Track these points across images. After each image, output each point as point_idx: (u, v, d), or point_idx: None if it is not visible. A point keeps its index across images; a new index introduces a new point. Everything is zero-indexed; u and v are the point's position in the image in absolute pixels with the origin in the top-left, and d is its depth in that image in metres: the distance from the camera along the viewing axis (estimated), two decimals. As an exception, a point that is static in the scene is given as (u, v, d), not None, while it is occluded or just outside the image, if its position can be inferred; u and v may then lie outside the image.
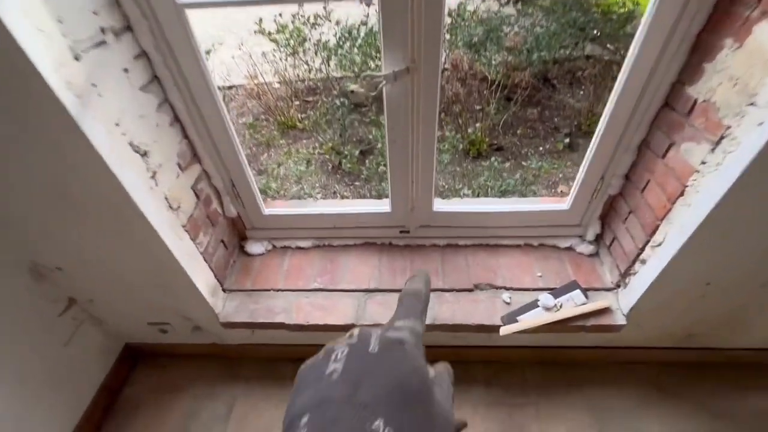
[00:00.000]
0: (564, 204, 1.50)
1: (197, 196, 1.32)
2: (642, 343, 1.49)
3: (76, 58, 0.86)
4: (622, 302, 1.36)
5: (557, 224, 1.53)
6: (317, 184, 2.82)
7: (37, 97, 0.81)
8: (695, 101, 1.02)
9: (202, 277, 1.34)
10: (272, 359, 1.66)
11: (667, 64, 1.04)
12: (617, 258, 1.40)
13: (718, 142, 0.95)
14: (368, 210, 1.54)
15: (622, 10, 3.25)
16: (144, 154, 1.06)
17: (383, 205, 1.53)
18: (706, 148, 0.98)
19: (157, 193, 1.11)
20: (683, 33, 0.98)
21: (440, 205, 1.52)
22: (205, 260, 1.37)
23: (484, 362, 1.61)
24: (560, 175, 2.77)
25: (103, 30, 0.92)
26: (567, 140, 2.99)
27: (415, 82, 1.12)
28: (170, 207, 1.17)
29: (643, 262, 1.25)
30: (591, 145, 1.29)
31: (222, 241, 1.50)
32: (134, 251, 1.18)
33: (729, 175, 0.91)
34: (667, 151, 1.13)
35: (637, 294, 1.27)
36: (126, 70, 1.00)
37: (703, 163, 1.00)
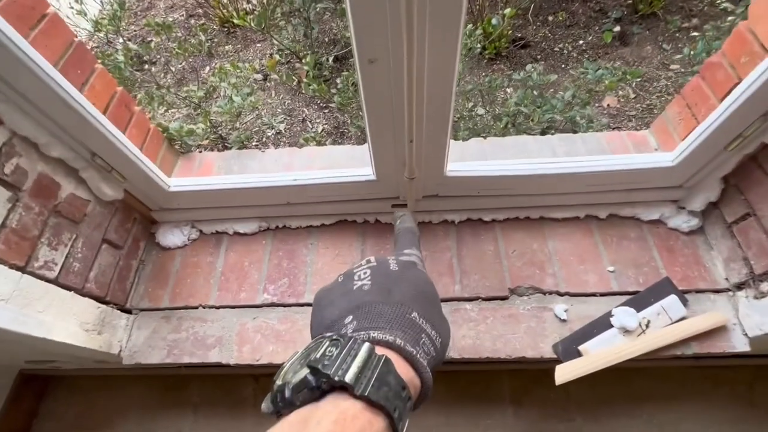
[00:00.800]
0: (666, 155, 0.90)
1: (9, 185, 0.71)
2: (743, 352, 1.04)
3: None
4: (748, 318, 0.85)
5: (645, 186, 0.95)
6: (279, 109, 2.10)
7: None
8: None
9: (64, 317, 0.80)
10: (227, 377, 1.23)
11: None
12: (750, 247, 0.86)
13: None
14: (340, 180, 0.93)
15: None
16: None
17: (365, 170, 0.92)
18: None
19: None
20: None
21: (457, 165, 0.91)
22: (66, 287, 0.81)
23: (512, 373, 1.18)
24: (615, 78, 2.03)
25: None
26: (617, 28, 2.18)
27: None
28: None
29: (825, 274, 0.71)
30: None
31: (107, 241, 0.93)
32: None
33: None
34: None
35: (790, 318, 0.76)
36: None
37: None
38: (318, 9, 2.08)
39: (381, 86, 0.65)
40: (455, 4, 0.54)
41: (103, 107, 0.87)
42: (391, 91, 0.65)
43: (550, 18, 2.28)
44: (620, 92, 1.98)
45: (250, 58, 2.21)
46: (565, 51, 2.16)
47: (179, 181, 0.99)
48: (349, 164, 1.13)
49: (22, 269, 0.72)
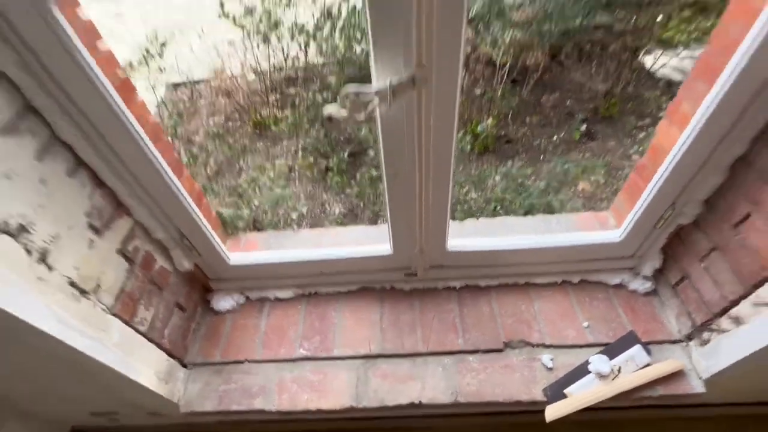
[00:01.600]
0: (614, 233, 1.17)
1: (129, 260, 0.97)
2: (713, 400, 1.19)
3: None
4: (699, 363, 1.05)
5: (603, 257, 1.20)
6: (302, 195, 2.46)
7: None
8: None
9: (147, 365, 1.00)
10: (257, 435, 1.35)
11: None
12: (689, 304, 1.08)
13: None
14: (363, 255, 1.20)
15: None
16: (18, 232, 0.70)
17: (383, 246, 1.19)
18: None
19: (50, 283, 0.75)
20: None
21: (456, 242, 1.18)
22: (151, 340, 1.03)
23: (513, 426, 1.31)
24: (579, 170, 2.41)
25: None
26: (584, 127, 2.63)
27: (423, 98, 0.75)
28: (81, 293, 0.82)
29: (738, 321, 0.93)
30: (666, 162, 0.95)
31: (177, 305, 1.16)
32: (38, 361, 0.83)
33: None
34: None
35: (726, 359, 0.95)
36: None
37: None
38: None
39: (401, 190, 0.94)
40: (448, 139, 0.85)
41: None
42: (408, 192, 0.95)
43: (528, 119, 2.75)
44: (592, 178, 2.35)
45: (278, 153, 2.63)
46: (542, 145, 2.58)
47: (237, 256, 1.25)
48: (368, 242, 1.39)
49: (127, 323, 0.95)
